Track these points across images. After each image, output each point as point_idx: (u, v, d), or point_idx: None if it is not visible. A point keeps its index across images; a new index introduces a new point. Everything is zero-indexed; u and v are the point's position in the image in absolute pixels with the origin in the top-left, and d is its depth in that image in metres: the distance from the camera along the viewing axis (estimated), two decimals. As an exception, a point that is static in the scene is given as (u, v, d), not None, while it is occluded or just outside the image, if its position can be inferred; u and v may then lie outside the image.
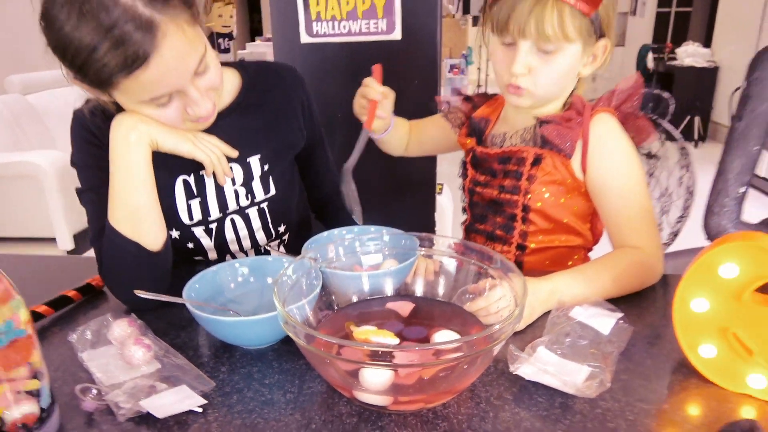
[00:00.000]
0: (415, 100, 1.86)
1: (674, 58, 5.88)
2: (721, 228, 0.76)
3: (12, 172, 3.15)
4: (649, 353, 0.70)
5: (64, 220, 3.23)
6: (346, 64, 1.79)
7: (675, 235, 1.03)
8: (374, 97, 1.04)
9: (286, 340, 0.74)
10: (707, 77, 5.57)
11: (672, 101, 1.04)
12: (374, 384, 0.57)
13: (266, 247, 1.04)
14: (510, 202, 0.97)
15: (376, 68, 1.06)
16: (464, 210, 1.12)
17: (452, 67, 5.75)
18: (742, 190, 0.74)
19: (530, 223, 0.98)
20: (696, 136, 5.48)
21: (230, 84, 0.98)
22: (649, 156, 1.02)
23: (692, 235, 1.01)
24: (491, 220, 1.02)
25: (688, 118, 5.51)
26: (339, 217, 1.21)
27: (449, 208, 2.59)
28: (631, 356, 0.70)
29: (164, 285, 0.85)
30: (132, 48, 0.71)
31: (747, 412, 0.60)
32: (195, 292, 0.75)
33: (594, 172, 0.91)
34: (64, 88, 4.14)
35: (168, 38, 0.73)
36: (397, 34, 1.74)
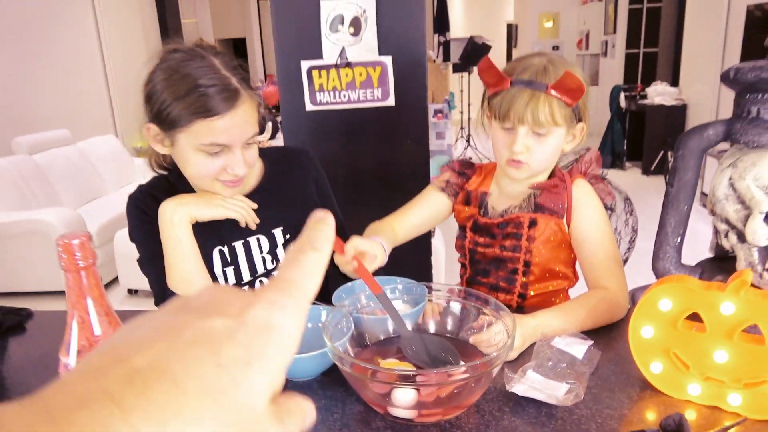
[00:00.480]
0: (409, 156, 2.09)
1: (645, 97, 6.23)
2: (665, 270, 0.96)
3: (23, 230, 3.30)
4: (614, 371, 0.90)
5: (73, 273, 3.37)
6: (347, 128, 2.01)
7: (624, 262, 1.24)
8: (349, 268, 1.00)
9: (326, 373, 0.92)
10: (677, 114, 5.90)
11: (601, 159, 1.24)
12: (403, 401, 0.75)
13: None
14: (512, 259, 1.15)
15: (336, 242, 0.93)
16: (463, 265, 1.27)
17: (436, 112, 6.01)
18: (678, 240, 0.94)
19: (530, 275, 1.16)
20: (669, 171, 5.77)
21: (256, 169, 1.19)
22: (607, 208, 1.23)
23: (649, 275, 1.23)
24: (494, 274, 1.19)
25: (662, 153, 5.82)
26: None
27: (442, 250, 2.80)
28: (599, 374, 0.89)
29: None
30: (218, 101, 0.94)
31: (689, 414, 0.80)
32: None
33: (576, 226, 1.11)
34: (66, 147, 4.34)
35: (241, 107, 0.98)
36: (391, 101, 1.97)
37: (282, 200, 1.19)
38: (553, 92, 1.02)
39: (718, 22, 5.19)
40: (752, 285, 0.83)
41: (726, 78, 0.88)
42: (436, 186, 1.26)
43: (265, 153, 1.21)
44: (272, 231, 1.17)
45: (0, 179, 3.57)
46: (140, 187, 1.13)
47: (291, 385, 0.90)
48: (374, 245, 1.02)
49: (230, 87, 0.96)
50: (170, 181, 1.15)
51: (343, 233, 1.36)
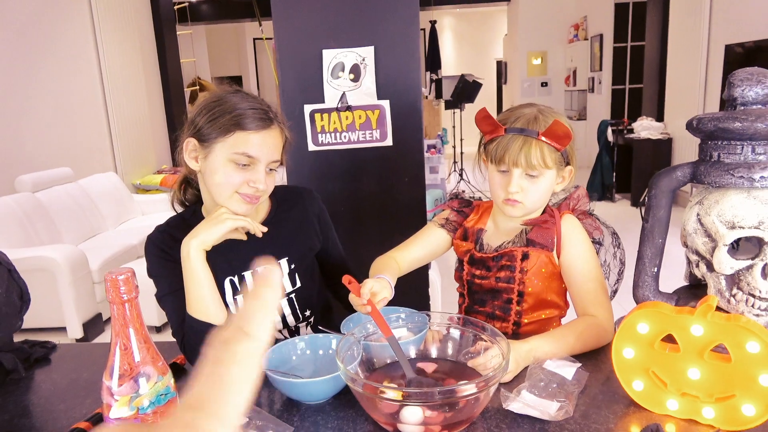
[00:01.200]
0: (406, 193, 2.20)
1: (632, 131, 6.43)
2: (644, 297, 1.05)
3: (28, 266, 3.36)
4: (600, 390, 0.98)
5: (75, 309, 3.42)
6: (347, 167, 2.12)
7: (614, 293, 1.34)
8: (366, 311, 1.05)
9: (337, 396, 1.00)
10: (663, 148, 6.08)
11: (588, 197, 1.33)
12: (410, 419, 0.83)
13: (297, 327, 1.31)
14: (507, 290, 1.24)
15: (345, 279, 1.09)
16: (462, 295, 1.36)
17: (429, 147, 6.17)
18: (655, 270, 1.04)
19: (524, 303, 1.25)
20: (657, 202, 5.91)
21: (264, 205, 1.31)
22: (594, 242, 1.33)
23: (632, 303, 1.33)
24: (490, 304, 1.27)
25: (646, 199, 5.97)
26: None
27: (438, 282, 2.89)
28: (588, 393, 0.97)
29: None
30: (256, 120, 1.12)
31: (668, 428, 0.88)
32: (268, 361, 1.02)
33: (565, 258, 1.20)
34: (68, 184, 4.44)
35: (273, 131, 1.16)
36: (389, 141, 2.08)
37: (287, 233, 1.30)
38: (543, 138, 1.13)
39: (698, 59, 5.42)
40: (721, 309, 0.93)
41: (690, 126, 0.99)
42: (436, 223, 1.36)
43: (272, 191, 1.31)
44: (278, 261, 1.27)
45: (4, 217, 3.65)
46: (158, 227, 1.24)
47: (305, 408, 0.98)
48: (384, 285, 1.11)
49: (267, 113, 1.15)
50: (185, 219, 1.25)
51: (344, 264, 1.45)
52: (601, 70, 8.25)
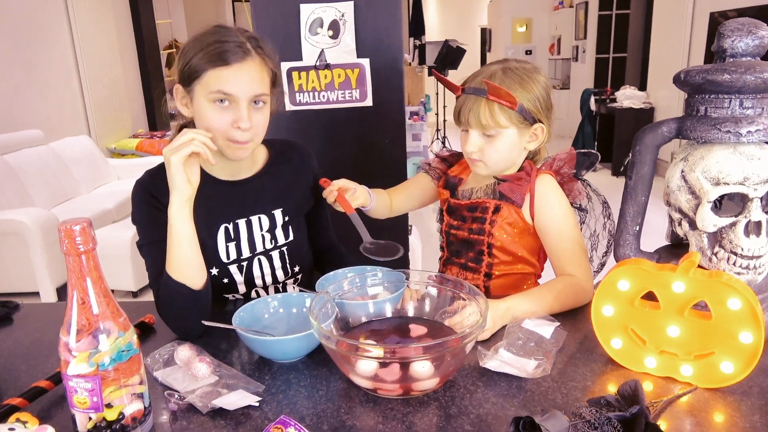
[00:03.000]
0: (387, 156, 2.16)
1: (614, 100, 6.42)
2: (625, 256, 1.03)
3: (-3, 230, 3.27)
4: (578, 348, 0.97)
5: (48, 274, 3.35)
6: (326, 128, 2.06)
7: (602, 265, 1.32)
8: (331, 197, 1.23)
9: (309, 355, 0.97)
10: (645, 117, 6.08)
11: (596, 157, 1.32)
12: (388, 376, 0.81)
13: (285, 284, 1.28)
14: (478, 241, 1.23)
15: (324, 182, 1.26)
16: (441, 248, 1.36)
17: (412, 114, 6.10)
18: (637, 228, 1.02)
19: (494, 257, 1.23)
20: (638, 172, 5.94)
21: (261, 155, 1.26)
22: (580, 209, 1.31)
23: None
24: (464, 255, 1.27)
25: (630, 155, 6.00)
26: (333, 267, 1.43)
27: (419, 246, 2.87)
28: (565, 352, 0.96)
29: (206, 317, 1.06)
30: (229, 54, 1.05)
31: (646, 385, 0.87)
32: (240, 320, 0.98)
33: (539, 217, 1.18)
34: (39, 147, 4.30)
35: (250, 63, 1.07)
36: (368, 102, 2.02)
37: (283, 184, 1.27)
38: (491, 98, 1.11)
39: (682, 28, 5.39)
40: (702, 267, 0.91)
41: (677, 80, 0.96)
42: (421, 169, 1.41)
43: (270, 143, 1.29)
44: (272, 211, 1.24)
45: (-29, 179, 3.53)
46: (149, 171, 1.18)
47: (277, 367, 0.95)
48: (359, 187, 1.26)
49: (243, 46, 1.08)
50: None
51: (329, 231, 1.41)
52: (585, 38, 8.19)
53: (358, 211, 1.25)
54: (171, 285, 1.04)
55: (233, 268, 1.21)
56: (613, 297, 0.89)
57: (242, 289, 1.24)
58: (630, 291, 0.88)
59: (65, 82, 5.05)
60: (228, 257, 1.20)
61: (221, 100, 1.06)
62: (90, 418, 0.75)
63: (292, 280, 1.29)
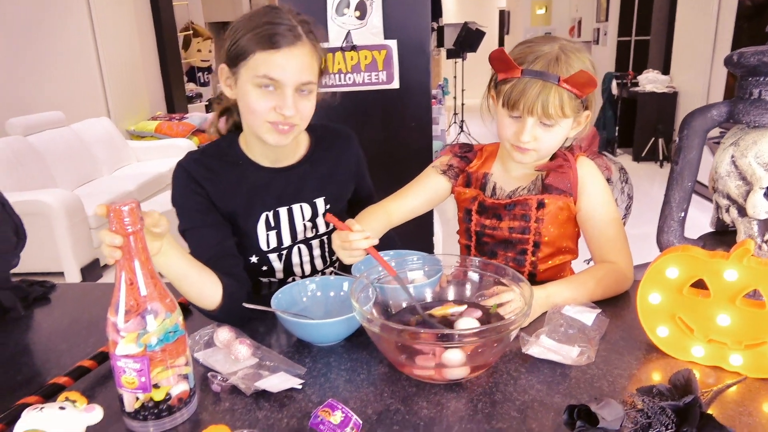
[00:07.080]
0: (412, 138, 2.14)
1: (636, 84, 6.30)
2: (669, 243, 1.01)
3: (22, 210, 3.28)
4: (622, 336, 0.95)
5: (72, 254, 3.38)
6: (351, 110, 2.05)
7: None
8: (367, 246, 0.97)
9: (349, 339, 0.97)
10: (668, 102, 5.97)
11: (598, 135, 1.27)
12: (427, 361, 0.80)
13: (323, 272, 1.27)
14: (521, 240, 1.18)
15: (328, 217, 1.01)
16: (467, 248, 1.28)
17: (430, 97, 6.04)
18: (682, 214, 0.99)
19: (539, 253, 1.19)
20: (661, 157, 5.85)
21: (303, 142, 1.23)
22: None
23: (654, 251, 1.28)
24: (502, 255, 1.21)
25: (653, 140, 5.91)
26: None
27: (440, 232, 2.86)
28: (608, 339, 0.95)
29: (236, 318, 1.01)
30: (279, 38, 1.01)
31: (692, 374, 0.85)
32: (278, 302, 0.98)
33: (584, 204, 1.13)
34: (62, 128, 4.33)
35: (300, 50, 1.03)
36: (395, 84, 2.00)
37: (325, 172, 1.23)
38: (564, 85, 1.01)
39: (710, 11, 5.26)
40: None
41: (729, 62, 0.93)
42: (436, 169, 1.26)
43: (312, 129, 1.23)
44: (314, 200, 1.21)
45: (-4, 160, 3.56)
46: (191, 153, 1.15)
47: (317, 350, 0.95)
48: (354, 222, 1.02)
49: (294, 30, 1.03)
50: (221, 147, 1.17)
51: (371, 195, 1.36)
52: (607, 20, 8.03)
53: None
54: (197, 307, 1.04)
55: (273, 257, 1.20)
56: (661, 285, 0.88)
57: (280, 275, 1.24)
58: (679, 279, 0.86)
59: (84, 63, 5.06)
60: (268, 245, 1.19)
61: (266, 85, 1.03)
62: (137, 398, 0.75)
63: (330, 270, 1.29)
